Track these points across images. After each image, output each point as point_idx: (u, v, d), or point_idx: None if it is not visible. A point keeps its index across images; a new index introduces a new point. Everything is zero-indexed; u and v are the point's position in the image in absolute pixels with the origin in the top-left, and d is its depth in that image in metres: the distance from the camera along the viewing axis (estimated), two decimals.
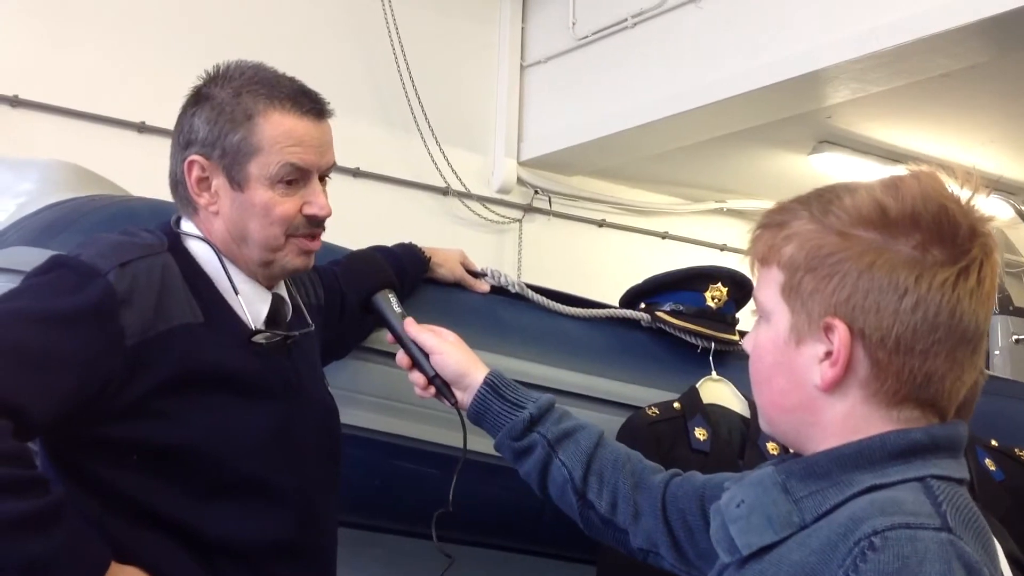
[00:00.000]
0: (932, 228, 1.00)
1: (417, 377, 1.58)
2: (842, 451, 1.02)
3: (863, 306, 1.00)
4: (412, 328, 1.59)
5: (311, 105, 1.54)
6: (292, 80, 1.57)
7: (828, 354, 1.03)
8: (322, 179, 1.58)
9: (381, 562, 2.55)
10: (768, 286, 1.08)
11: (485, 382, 1.51)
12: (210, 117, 1.51)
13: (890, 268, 1.00)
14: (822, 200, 1.06)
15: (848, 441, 1.03)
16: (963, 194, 1.03)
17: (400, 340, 1.61)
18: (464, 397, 1.53)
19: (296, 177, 1.52)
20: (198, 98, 1.54)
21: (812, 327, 1.03)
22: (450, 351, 1.55)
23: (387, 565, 2.57)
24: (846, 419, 1.04)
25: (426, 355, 1.57)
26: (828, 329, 1.02)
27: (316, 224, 1.56)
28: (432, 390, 1.57)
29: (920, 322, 0.99)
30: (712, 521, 1.10)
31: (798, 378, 1.05)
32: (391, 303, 1.65)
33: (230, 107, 1.50)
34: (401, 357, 1.60)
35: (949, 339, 1.00)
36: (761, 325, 1.11)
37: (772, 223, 1.09)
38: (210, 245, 1.54)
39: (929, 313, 0.99)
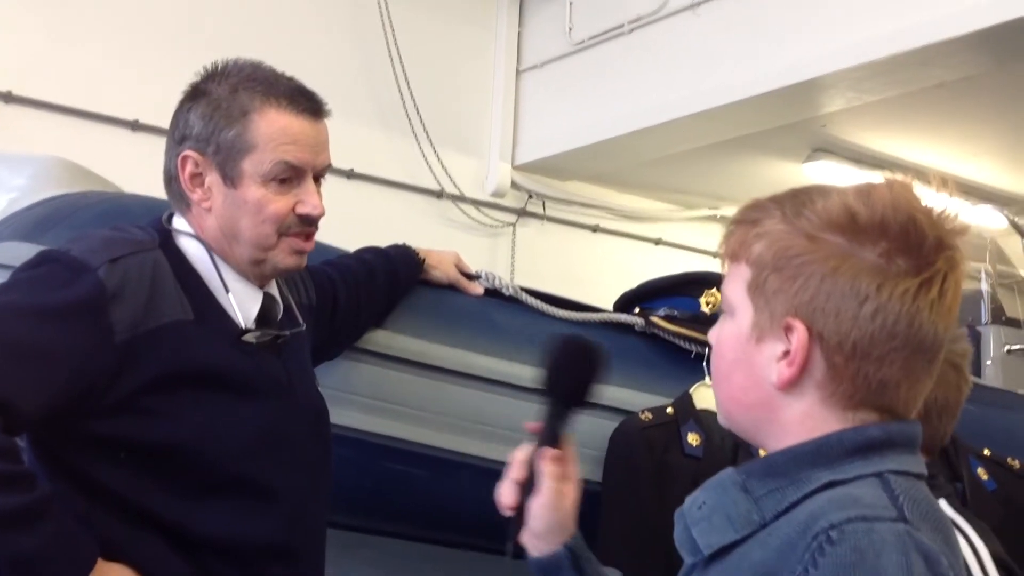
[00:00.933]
0: (899, 237, 1.00)
1: (511, 492, 1.32)
2: (800, 449, 1.02)
3: (824, 309, 1.01)
4: (545, 463, 1.32)
5: (307, 104, 1.53)
6: (290, 79, 1.56)
7: (786, 353, 1.03)
8: (317, 179, 1.57)
9: (370, 564, 2.54)
10: (735, 281, 1.09)
11: (567, 547, 1.34)
12: (205, 113, 1.50)
13: (853, 274, 1.00)
14: (796, 201, 1.06)
15: (806, 440, 1.03)
16: (938, 203, 1.03)
17: (536, 454, 1.32)
18: (535, 544, 1.34)
19: (290, 175, 1.51)
20: (195, 94, 1.53)
21: (773, 326, 1.04)
22: (549, 508, 1.32)
23: (376, 567, 2.56)
24: (804, 419, 1.04)
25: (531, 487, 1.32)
26: (788, 329, 1.02)
27: (309, 223, 1.55)
28: (508, 512, 1.32)
29: (878, 330, 0.99)
30: (676, 525, 1.09)
31: (757, 376, 1.05)
32: (567, 423, 1.35)
33: (226, 103, 1.50)
34: (519, 466, 1.32)
35: (906, 348, 1.00)
36: (726, 320, 1.11)
37: (746, 220, 1.09)
38: (201, 243, 1.53)
39: (888, 321, 0.99)
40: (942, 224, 1.03)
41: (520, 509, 1.31)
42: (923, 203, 1.03)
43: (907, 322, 1.00)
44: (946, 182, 1.05)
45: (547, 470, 1.30)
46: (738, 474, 1.05)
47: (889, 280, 0.99)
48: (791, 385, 1.03)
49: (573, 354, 1.36)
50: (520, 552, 1.38)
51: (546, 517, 1.32)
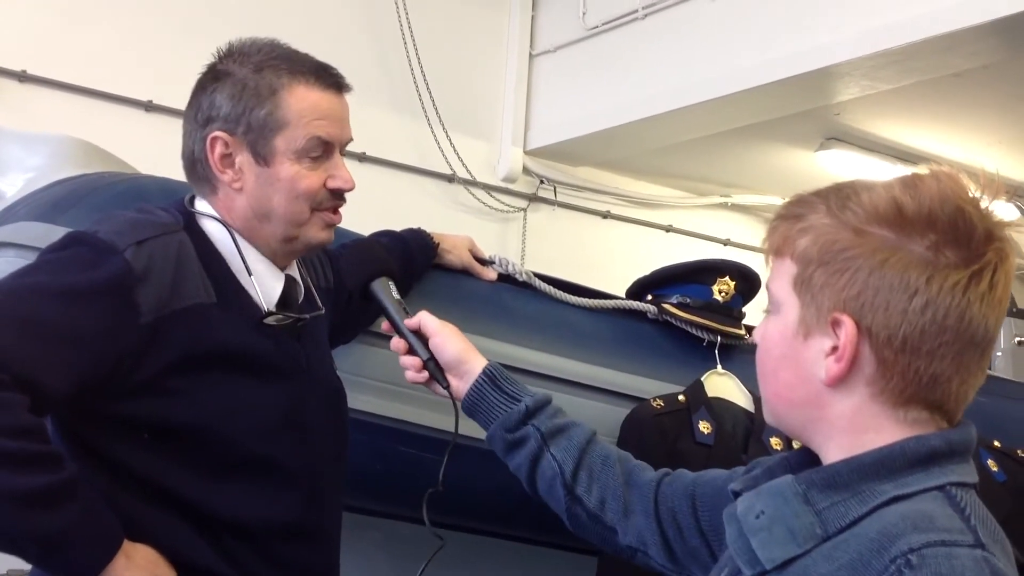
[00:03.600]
0: (947, 229, 0.99)
1: (411, 361, 1.56)
2: (862, 460, 1.01)
3: (872, 304, 1.00)
4: (419, 314, 1.59)
5: (332, 79, 1.55)
6: (308, 55, 1.57)
7: (834, 349, 1.02)
8: (341, 153, 1.58)
9: (377, 546, 2.55)
10: (780, 277, 1.08)
11: (484, 372, 1.49)
12: (233, 93, 1.50)
13: (902, 267, 0.99)
14: (841, 195, 1.05)
15: (856, 439, 1.02)
16: (983, 198, 1.02)
17: (395, 325, 1.60)
18: (459, 385, 1.52)
19: (322, 152, 1.53)
20: (216, 75, 1.53)
21: (820, 321, 1.03)
22: (450, 336, 1.54)
23: (383, 549, 2.57)
24: (853, 417, 1.03)
25: (424, 341, 1.55)
26: (836, 324, 1.02)
27: (339, 197, 1.57)
28: (425, 375, 1.55)
29: (928, 324, 0.99)
30: (728, 528, 1.08)
31: (804, 372, 1.05)
32: (389, 290, 1.64)
33: (253, 82, 1.50)
34: (396, 342, 1.59)
35: (957, 342, 1.00)
36: (771, 317, 1.10)
37: (790, 215, 1.08)
38: (224, 225, 1.54)
39: (938, 315, 0.99)
40: (990, 216, 1.01)
41: (426, 362, 1.54)
42: (970, 194, 1.01)
43: (957, 316, 0.99)
44: (993, 181, 1.03)
45: (419, 317, 1.56)
46: (798, 483, 1.03)
47: (939, 273, 0.98)
48: (840, 381, 1.02)
49: (356, 263, 1.78)
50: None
51: (448, 347, 1.53)
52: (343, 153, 1.58)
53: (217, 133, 1.51)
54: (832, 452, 1.05)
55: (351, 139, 1.59)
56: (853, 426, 1.03)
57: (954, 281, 0.98)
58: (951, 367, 1.00)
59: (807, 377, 1.05)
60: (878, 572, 0.92)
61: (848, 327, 1.01)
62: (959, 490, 0.99)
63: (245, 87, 1.50)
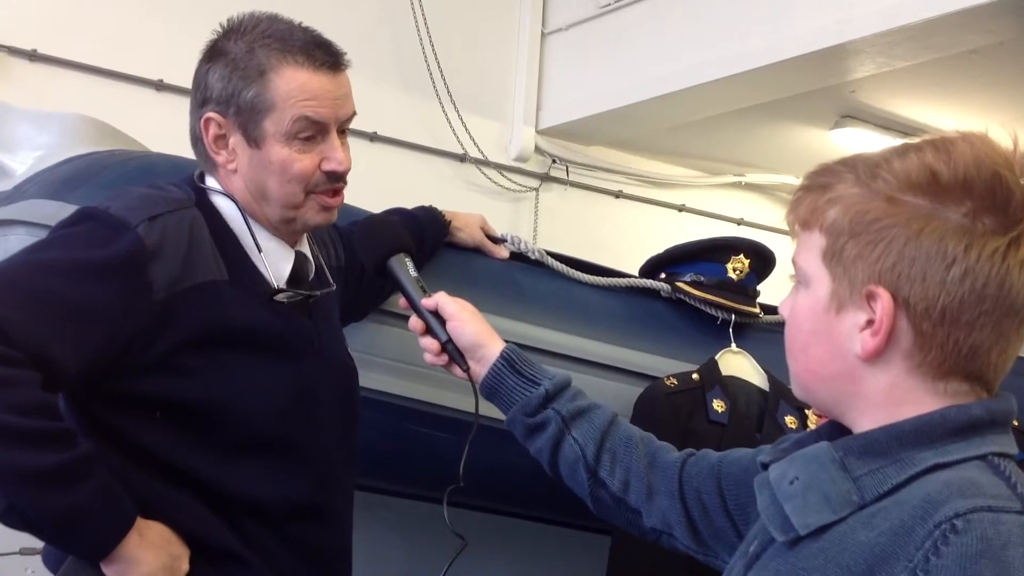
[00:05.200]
0: (984, 195, 0.96)
1: (429, 343, 1.53)
2: (902, 427, 0.99)
3: (909, 274, 0.97)
4: (436, 295, 1.55)
5: (325, 58, 1.50)
6: (306, 31, 1.53)
7: (869, 323, 1.00)
8: (343, 131, 1.54)
9: (390, 526, 2.55)
10: (809, 250, 1.05)
11: (502, 355, 1.47)
12: (224, 74, 1.48)
13: (939, 236, 0.96)
14: (869, 163, 1.02)
15: (893, 413, 1.00)
16: (1017, 160, 0.99)
17: (413, 305, 1.56)
18: (478, 369, 1.49)
19: (312, 132, 1.49)
20: (213, 53, 1.52)
21: (854, 294, 1.00)
22: (468, 319, 1.51)
23: (395, 529, 2.57)
24: (890, 391, 1.01)
25: (442, 321, 1.52)
26: (870, 297, 0.99)
27: (336, 179, 1.53)
28: (444, 357, 1.52)
29: (968, 293, 0.96)
30: (759, 495, 1.06)
31: (838, 347, 1.03)
32: (407, 267, 1.60)
33: (243, 62, 1.48)
34: (414, 322, 1.55)
35: (996, 311, 0.97)
36: (799, 291, 1.07)
37: (816, 185, 1.05)
38: (234, 201, 1.53)
39: (977, 284, 0.96)
40: None
41: (444, 344, 1.51)
42: (1005, 158, 0.98)
43: (997, 284, 0.96)
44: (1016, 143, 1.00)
45: (436, 298, 1.52)
46: (835, 450, 1.01)
47: (977, 240, 0.96)
48: (876, 356, 1.00)
49: (372, 237, 1.69)
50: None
51: (466, 330, 1.49)
52: (344, 132, 1.54)
53: (210, 114, 1.49)
54: (866, 426, 1.03)
55: (350, 115, 1.54)
56: (889, 400, 1.01)
57: (993, 248, 0.96)
58: (991, 337, 0.98)
59: (840, 352, 1.03)
60: (922, 538, 0.90)
61: (884, 300, 0.98)
62: (1001, 460, 0.97)
63: (235, 68, 1.47)
